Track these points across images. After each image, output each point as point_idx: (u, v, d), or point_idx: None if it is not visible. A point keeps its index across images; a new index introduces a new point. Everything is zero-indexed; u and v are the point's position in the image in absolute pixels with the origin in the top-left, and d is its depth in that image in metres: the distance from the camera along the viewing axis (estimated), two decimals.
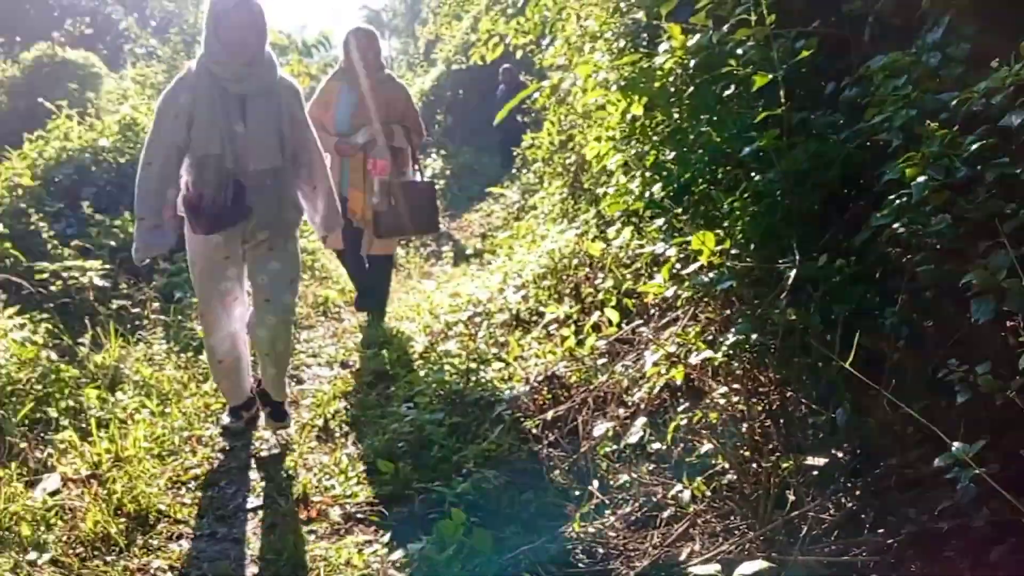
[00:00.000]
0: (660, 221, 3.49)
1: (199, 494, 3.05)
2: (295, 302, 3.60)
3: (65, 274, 4.46)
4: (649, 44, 3.80)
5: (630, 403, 2.96)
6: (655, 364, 2.78)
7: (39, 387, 3.45)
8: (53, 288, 4.41)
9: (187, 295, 5.00)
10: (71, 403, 3.45)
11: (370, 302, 5.29)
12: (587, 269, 4.44)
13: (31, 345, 3.56)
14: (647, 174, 3.59)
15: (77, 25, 14.93)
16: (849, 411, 2.27)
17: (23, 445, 3.04)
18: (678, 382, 2.76)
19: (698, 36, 3.20)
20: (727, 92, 3.10)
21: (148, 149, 3.11)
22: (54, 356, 3.66)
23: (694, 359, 2.67)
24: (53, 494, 2.81)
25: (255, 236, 3.26)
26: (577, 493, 2.71)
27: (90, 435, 3.19)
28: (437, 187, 12.69)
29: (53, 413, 3.34)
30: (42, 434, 3.22)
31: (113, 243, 5.05)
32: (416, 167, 5.16)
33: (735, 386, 2.73)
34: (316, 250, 6.78)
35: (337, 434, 3.58)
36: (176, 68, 13.64)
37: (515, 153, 12.97)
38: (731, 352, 2.69)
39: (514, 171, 12.03)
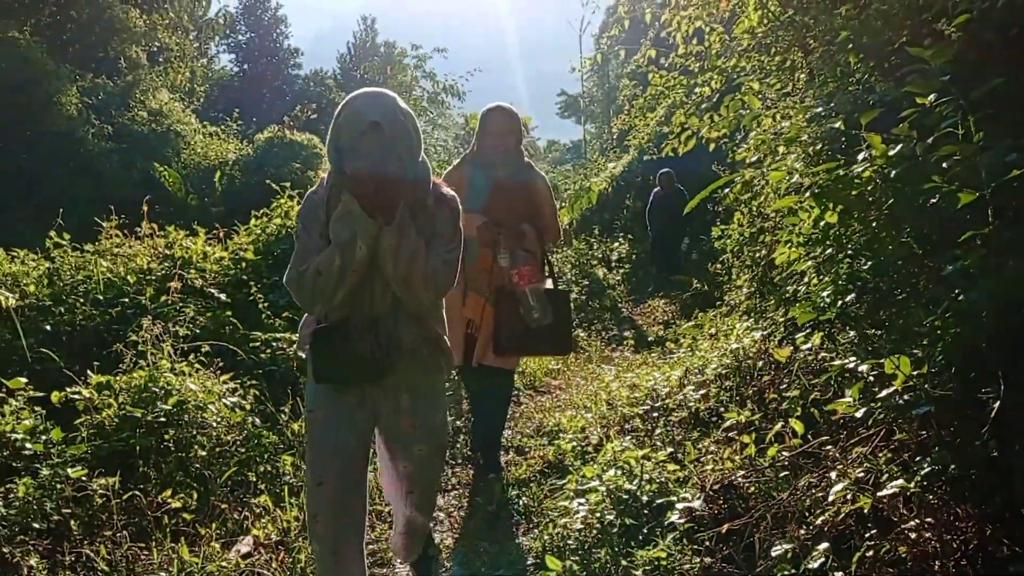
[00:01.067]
0: (852, 332, 3.35)
1: (375, 571, 3.18)
2: (441, 479, 3.18)
3: (274, 344, 4.86)
4: (846, 151, 3.72)
5: (812, 525, 2.82)
6: (841, 489, 2.65)
7: (243, 450, 3.76)
8: (263, 356, 4.81)
9: None
10: (269, 468, 3.73)
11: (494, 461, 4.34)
12: (772, 373, 4.31)
13: (240, 410, 3.90)
14: (840, 282, 3.48)
15: (304, 110, 16.48)
16: None
17: (224, 506, 3.30)
18: (865, 510, 2.61)
19: (900, 146, 3.11)
20: (930, 204, 2.98)
21: (293, 260, 2.56)
22: (258, 422, 3.98)
23: (885, 490, 2.52)
24: (245, 557, 3.03)
25: (398, 400, 2.56)
26: None
27: (283, 501, 3.43)
28: (623, 271, 12.81)
29: (252, 477, 3.62)
30: (242, 496, 3.49)
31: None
32: (550, 273, 4.34)
33: (928, 520, 2.55)
34: None
35: (508, 523, 3.64)
36: None
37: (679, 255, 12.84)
38: (925, 483, 2.52)
39: (697, 258, 11.92)
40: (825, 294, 3.52)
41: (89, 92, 12.44)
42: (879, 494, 2.56)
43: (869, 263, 3.39)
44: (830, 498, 2.69)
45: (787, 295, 5.12)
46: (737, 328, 5.63)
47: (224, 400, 3.87)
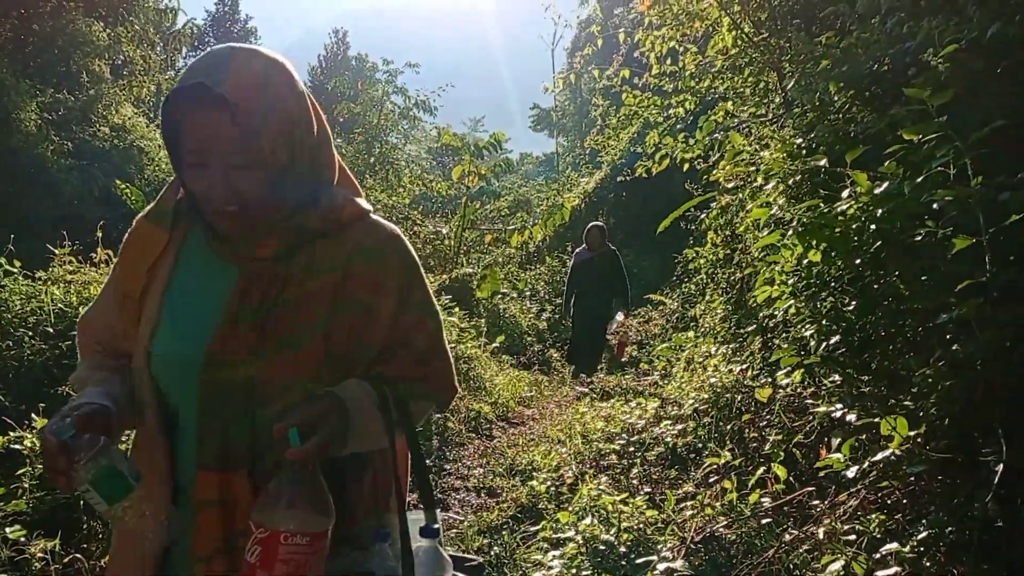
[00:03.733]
0: (837, 376, 3.22)
1: None
2: None
3: None
4: (828, 184, 3.59)
5: None
6: (831, 551, 2.50)
7: None
8: None
9: None
10: None
11: None
12: (753, 411, 4.17)
13: None
14: (823, 323, 3.35)
15: None
16: None
17: None
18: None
19: (886, 184, 2.98)
20: (919, 245, 2.85)
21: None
22: None
23: (880, 551, 2.37)
24: None
25: None
26: None
27: None
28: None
29: None
30: None
31: None
32: (426, 503, 1.37)
33: None
34: (472, 357, 6.79)
35: None
36: (358, 167, 14.44)
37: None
38: (921, 548, 2.38)
39: (674, 279, 11.78)
40: (808, 334, 3.39)
41: (49, 107, 12.09)
42: (873, 556, 2.41)
43: (854, 304, 3.26)
44: (822, 564, 2.54)
45: (764, 325, 5.02)
46: (714, 358, 5.51)
47: None
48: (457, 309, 7.43)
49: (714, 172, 6.81)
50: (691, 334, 8.44)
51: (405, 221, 14.94)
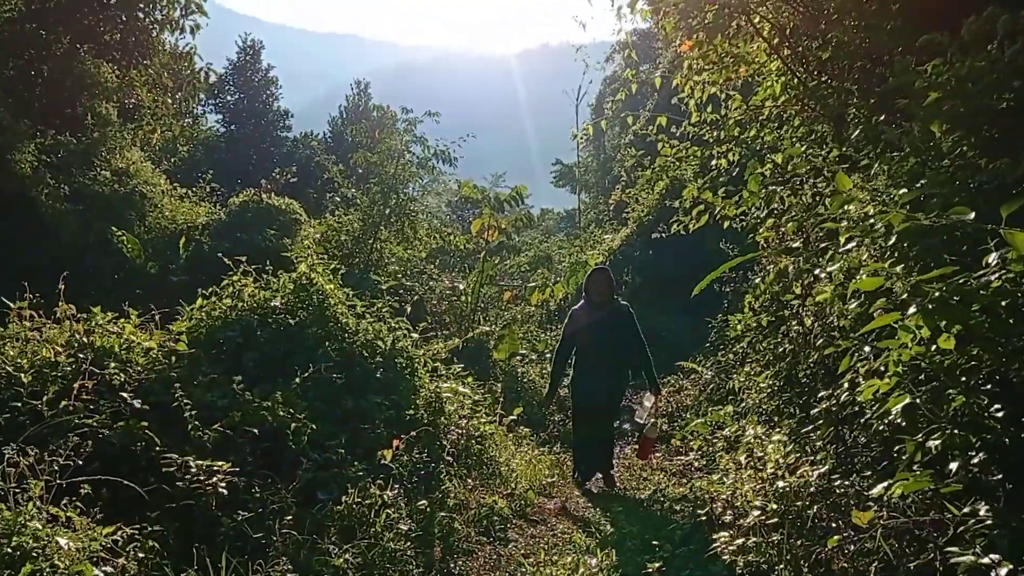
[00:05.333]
0: (983, 508, 2.36)
1: None
2: None
3: (193, 468, 3.81)
4: (953, 250, 2.78)
5: None
6: None
7: None
8: (179, 484, 3.76)
9: (332, 495, 4.25)
10: None
11: None
12: (840, 529, 3.29)
13: None
14: (955, 432, 2.50)
15: (283, 173, 15.63)
16: None
17: None
18: None
19: None
20: None
21: None
22: None
23: None
24: None
25: None
26: None
27: None
28: None
29: None
30: None
31: (256, 431, 4.32)
32: None
33: None
34: (485, 436, 5.92)
35: None
36: (373, 218, 13.78)
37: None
38: None
39: (707, 345, 10.88)
40: (933, 444, 2.54)
41: (50, 150, 11.50)
42: None
43: (1000, 409, 2.42)
44: None
45: (835, 412, 4.18)
46: (767, 443, 4.64)
47: (100, 569, 2.81)
48: (471, 379, 6.58)
49: (761, 231, 6.06)
50: (729, 408, 7.58)
51: (420, 275, 14.22)
